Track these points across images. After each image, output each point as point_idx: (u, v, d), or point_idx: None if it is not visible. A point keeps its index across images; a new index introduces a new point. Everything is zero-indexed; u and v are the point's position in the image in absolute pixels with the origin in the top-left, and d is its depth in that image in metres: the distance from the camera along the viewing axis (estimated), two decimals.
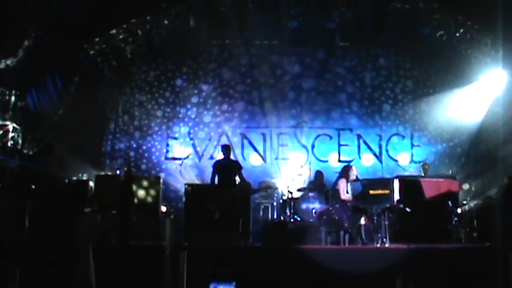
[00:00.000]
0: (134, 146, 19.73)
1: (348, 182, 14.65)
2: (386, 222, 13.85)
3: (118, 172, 17.03)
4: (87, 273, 10.16)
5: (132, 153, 19.67)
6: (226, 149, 15.83)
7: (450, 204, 15.28)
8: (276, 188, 17.83)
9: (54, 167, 16.05)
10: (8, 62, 15.27)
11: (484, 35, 18.06)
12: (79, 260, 10.21)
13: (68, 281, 10.40)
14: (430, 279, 11.55)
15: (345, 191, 14.53)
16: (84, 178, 16.68)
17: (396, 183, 13.89)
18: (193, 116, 19.90)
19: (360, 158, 19.80)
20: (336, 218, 14.26)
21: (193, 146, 19.76)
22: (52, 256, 10.88)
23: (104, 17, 16.80)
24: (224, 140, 19.28)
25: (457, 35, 18.38)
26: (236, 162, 16.04)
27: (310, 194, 16.57)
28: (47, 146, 15.86)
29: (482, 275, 11.38)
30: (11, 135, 15.52)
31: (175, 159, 19.60)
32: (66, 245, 10.81)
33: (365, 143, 19.96)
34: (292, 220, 15.90)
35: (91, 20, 16.34)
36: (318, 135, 19.94)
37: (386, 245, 13.47)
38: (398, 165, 19.67)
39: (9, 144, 15.46)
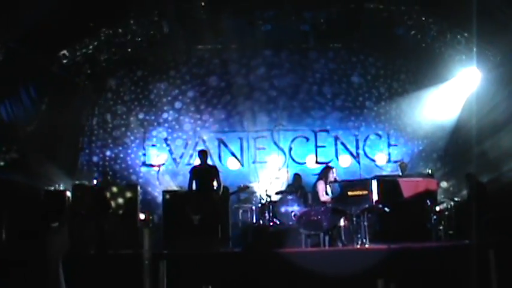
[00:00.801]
0: (111, 153, 19.63)
1: (326, 183, 14.65)
2: (365, 223, 13.90)
3: (95, 181, 16.94)
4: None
5: (108, 161, 19.57)
6: (202, 154, 15.74)
7: (429, 203, 15.36)
8: (254, 192, 17.79)
9: (30, 178, 15.91)
10: None
11: (458, 34, 18.11)
12: (49, 275, 10.11)
13: None
14: (411, 278, 11.57)
15: (324, 193, 14.52)
16: (61, 188, 16.59)
17: (374, 183, 13.96)
18: (169, 122, 19.84)
19: (337, 159, 19.79)
20: (315, 219, 14.24)
21: (170, 152, 19.70)
22: (24, 271, 10.77)
23: (77, 27, 16.66)
24: (201, 146, 19.17)
25: (431, 33, 18.42)
26: (213, 167, 15.96)
27: (289, 197, 16.54)
28: (23, 157, 15.73)
29: (463, 273, 11.40)
30: None
31: (152, 166, 19.54)
32: (36, 260, 10.71)
33: (342, 143, 19.99)
34: (271, 224, 15.84)
35: (64, 30, 16.20)
36: (295, 138, 19.95)
37: (367, 246, 13.51)
38: (376, 165, 19.74)
39: None
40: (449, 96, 19.06)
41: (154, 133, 19.79)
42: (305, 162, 19.76)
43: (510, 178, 16.49)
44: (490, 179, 16.79)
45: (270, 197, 16.55)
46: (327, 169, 15.15)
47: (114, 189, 16.43)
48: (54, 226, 12.55)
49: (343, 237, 14.04)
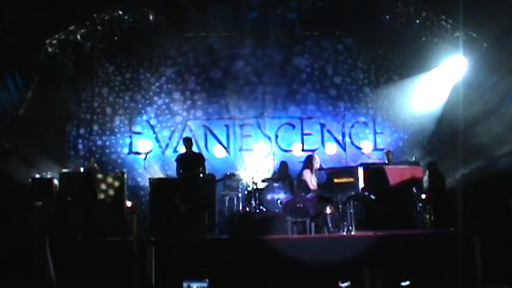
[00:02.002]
0: (97, 141, 19.53)
1: (312, 172, 14.70)
2: (351, 211, 13.97)
3: (82, 169, 16.91)
4: (45, 266, 10.05)
5: (95, 149, 19.47)
6: (187, 141, 15.76)
7: (414, 191, 15.42)
8: (241, 179, 17.78)
9: (17, 166, 15.85)
10: None
11: (445, 22, 18.15)
12: (36, 254, 10.09)
13: (26, 275, 10.29)
14: (396, 265, 11.64)
15: (311, 181, 14.56)
16: (48, 176, 16.54)
17: (360, 171, 14.02)
18: (156, 110, 19.77)
19: (323, 146, 19.82)
20: (301, 206, 14.27)
21: (157, 139, 19.64)
22: (10, 252, 10.75)
23: (63, 14, 16.58)
24: (187, 133, 19.13)
25: (417, 21, 18.45)
26: (199, 155, 16.03)
27: (275, 185, 16.57)
28: (9, 145, 15.68)
29: (448, 260, 11.50)
30: None
31: (138, 153, 19.48)
32: (22, 239, 10.69)
33: (328, 131, 19.98)
34: (257, 211, 15.86)
35: (50, 17, 16.13)
36: (281, 125, 19.95)
37: (353, 233, 13.57)
38: (362, 153, 19.76)
39: None
40: (436, 85, 19.08)
41: (141, 119, 19.71)
42: (291, 150, 19.78)
43: (497, 166, 16.55)
44: (477, 166, 16.85)
45: (256, 184, 16.54)
46: (310, 158, 15.21)
47: (101, 176, 16.37)
48: (38, 205, 12.53)
49: (329, 225, 14.08)
